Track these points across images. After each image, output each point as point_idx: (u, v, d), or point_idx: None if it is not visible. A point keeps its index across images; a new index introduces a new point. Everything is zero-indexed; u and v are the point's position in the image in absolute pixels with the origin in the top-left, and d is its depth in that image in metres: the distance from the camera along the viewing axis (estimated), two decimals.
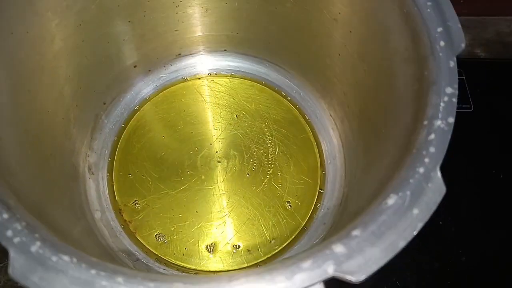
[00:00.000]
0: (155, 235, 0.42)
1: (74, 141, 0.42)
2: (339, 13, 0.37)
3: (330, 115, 0.46)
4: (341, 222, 0.39)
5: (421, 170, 0.23)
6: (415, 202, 0.22)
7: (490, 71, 0.58)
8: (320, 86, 0.46)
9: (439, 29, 0.27)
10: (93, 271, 0.20)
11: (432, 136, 0.24)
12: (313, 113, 0.48)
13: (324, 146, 0.46)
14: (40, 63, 0.34)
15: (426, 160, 0.23)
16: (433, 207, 0.22)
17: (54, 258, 0.21)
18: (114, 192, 0.44)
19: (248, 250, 0.42)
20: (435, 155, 0.24)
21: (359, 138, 0.40)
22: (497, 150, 0.52)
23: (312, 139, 0.47)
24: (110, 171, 0.45)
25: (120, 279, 0.20)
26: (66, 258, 0.21)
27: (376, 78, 0.35)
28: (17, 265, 0.20)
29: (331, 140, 0.46)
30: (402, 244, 0.21)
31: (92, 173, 0.44)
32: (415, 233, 0.22)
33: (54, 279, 0.20)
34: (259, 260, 0.42)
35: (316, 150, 0.46)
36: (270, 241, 0.42)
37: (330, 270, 0.21)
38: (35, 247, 0.21)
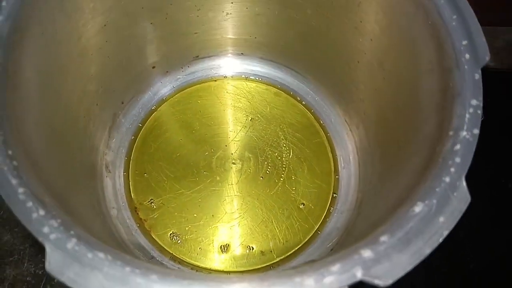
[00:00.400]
0: (170, 234, 0.43)
1: (93, 139, 0.42)
2: (360, 21, 0.38)
3: (345, 121, 0.47)
4: (355, 226, 0.40)
5: (447, 179, 0.24)
6: (441, 211, 0.23)
7: (500, 80, 0.58)
8: (336, 91, 0.47)
9: (464, 42, 0.28)
10: (127, 268, 0.21)
11: (458, 146, 0.25)
12: (328, 118, 0.48)
13: (338, 151, 0.47)
14: (66, 62, 0.35)
15: (452, 169, 0.24)
16: (458, 216, 0.23)
17: (89, 255, 0.21)
18: (130, 191, 0.44)
19: (262, 252, 0.42)
20: (460, 165, 0.24)
21: (375, 144, 0.41)
22: (508, 157, 0.52)
23: (327, 144, 0.47)
24: (126, 169, 0.45)
25: (154, 276, 0.21)
26: (101, 255, 0.21)
27: (396, 86, 0.36)
28: (53, 261, 0.21)
29: (346, 145, 0.46)
30: (428, 251, 0.22)
31: (109, 171, 0.44)
32: (440, 240, 0.22)
33: (90, 275, 0.21)
34: (272, 262, 0.42)
35: (330, 155, 0.47)
36: (283, 243, 0.43)
37: (358, 274, 0.21)
38: (71, 244, 0.21)
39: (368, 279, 0.21)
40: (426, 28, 0.30)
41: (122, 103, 0.46)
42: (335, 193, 0.45)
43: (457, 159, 0.24)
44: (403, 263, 0.21)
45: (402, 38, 0.33)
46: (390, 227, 0.23)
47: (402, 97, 0.34)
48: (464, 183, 0.24)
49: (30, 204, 0.22)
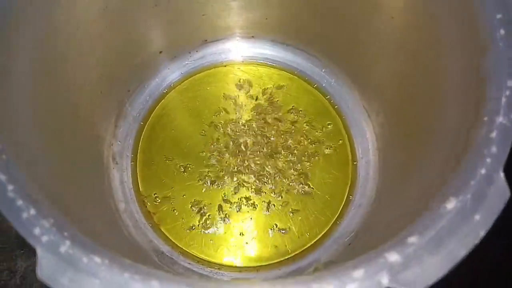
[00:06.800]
0: (180, 227, 0.41)
1: (98, 129, 0.40)
2: None
3: (364, 106, 0.44)
4: (375, 220, 0.38)
5: (483, 171, 0.21)
6: (476, 207, 0.20)
7: None
8: (354, 75, 0.44)
9: (499, 16, 0.25)
10: (126, 274, 0.19)
11: (494, 134, 0.22)
12: (344, 104, 0.45)
13: (356, 139, 0.44)
14: (65, 49, 0.33)
15: (488, 160, 0.21)
16: (496, 213, 0.20)
17: (85, 259, 0.19)
18: (138, 183, 0.43)
19: (275, 246, 0.40)
20: (497, 155, 0.21)
21: (396, 131, 0.38)
22: None
23: (343, 131, 0.44)
24: (134, 160, 0.44)
25: (155, 282, 0.19)
26: (97, 259, 0.19)
27: (419, 67, 0.33)
28: (45, 266, 0.19)
29: (364, 132, 0.44)
30: (462, 252, 0.20)
31: (116, 163, 0.42)
32: (476, 241, 0.20)
33: (85, 282, 0.19)
34: (286, 257, 0.40)
35: (348, 143, 0.44)
36: (298, 237, 0.41)
37: (384, 280, 0.19)
38: (64, 247, 0.19)
39: (395, 286, 0.19)
40: (453, 1, 0.27)
41: (129, 91, 0.44)
42: (352, 184, 0.42)
43: (493, 148, 0.22)
44: (435, 267, 0.19)
45: (426, 14, 0.30)
46: (419, 226, 0.20)
47: (427, 79, 0.32)
48: (502, 176, 0.21)
49: (20, 202, 0.20)
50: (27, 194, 0.21)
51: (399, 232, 0.21)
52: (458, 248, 0.20)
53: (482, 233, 0.20)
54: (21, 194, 0.21)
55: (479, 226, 0.20)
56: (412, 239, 0.20)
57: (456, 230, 0.20)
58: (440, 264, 0.19)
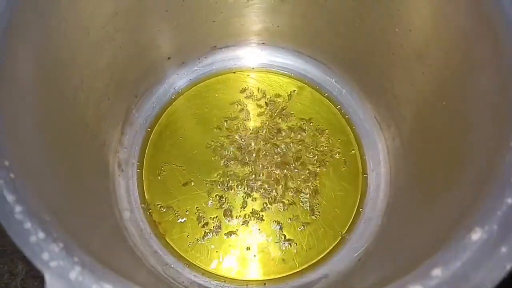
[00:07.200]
0: (186, 238, 0.40)
1: (104, 136, 0.39)
2: (398, 9, 0.34)
3: (375, 117, 0.43)
4: (386, 236, 0.37)
5: (510, 200, 0.20)
6: (503, 238, 0.20)
7: None
8: (365, 85, 0.43)
9: None
10: None
11: None
12: (355, 114, 0.44)
13: (367, 151, 0.43)
14: (72, 54, 0.32)
15: None
16: None
17: (94, 287, 0.18)
18: (144, 191, 0.42)
19: (283, 260, 0.39)
20: None
21: (410, 146, 0.37)
22: None
23: (354, 142, 0.44)
24: (140, 168, 0.43)
25: None
26: (108, 287, 0.18)
27: (438, 83, 0.32)
28: None
29: (375, 144, 0.43)
30: (488, 287, 0.19)
31: (122, 170, 0.42)
32: (503, 275, 0.19)
33: None
34: (294, 271, 0.39)
35: (358, 154, 0.43)
36: (306, 251, 0.40)
37: None
38: (74, 273, 0.19)
39: None
40: (477, 17, 0.27)
41: (136, 96, 0.43)
42: (363, 197, 0.41)
43: None
44: None
45: (447, 29, 0.30)
46: (443, 257, 0.19)
47: (446, 96, 0.31)
48: None
49: (28, 225, 0.20)
50: (35, 215, 0.20)
51: (417, 259, 0.20)
52: (483, 282, 0.19)
53: (508, 267, 0.19)
54: (29, 216, 0.20)
55: (506, 259, 0.19)
56: (436, 272, 0.19)
57: (482, 262, 0.19)
58: None
